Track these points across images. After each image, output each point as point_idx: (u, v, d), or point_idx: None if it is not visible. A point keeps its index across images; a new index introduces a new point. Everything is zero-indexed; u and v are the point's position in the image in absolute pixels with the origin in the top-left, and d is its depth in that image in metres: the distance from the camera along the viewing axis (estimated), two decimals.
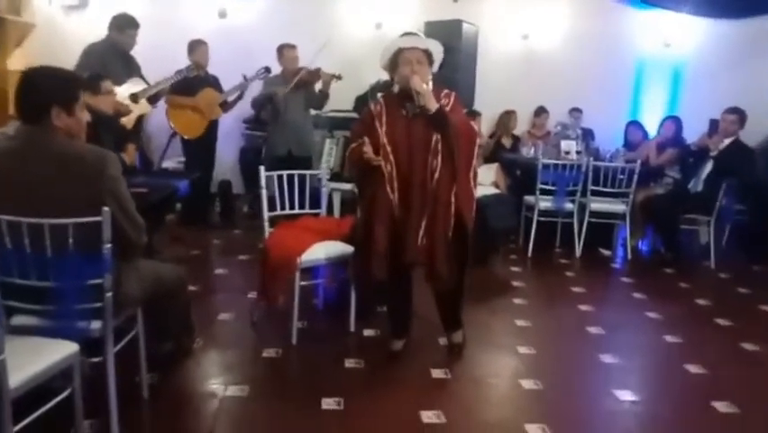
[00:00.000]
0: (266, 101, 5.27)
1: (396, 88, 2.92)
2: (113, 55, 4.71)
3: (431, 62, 2.88)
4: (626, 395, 2.80)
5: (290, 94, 5.15)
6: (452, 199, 2.80)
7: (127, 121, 4.44)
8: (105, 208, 1.99)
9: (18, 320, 2.12)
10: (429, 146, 2.78)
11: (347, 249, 3.22)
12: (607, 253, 5.45)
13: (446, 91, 2.88)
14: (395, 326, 3.14)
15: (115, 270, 2.12)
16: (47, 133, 2.04)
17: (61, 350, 1.93)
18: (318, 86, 5.33)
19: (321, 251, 3.22)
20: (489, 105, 6.35)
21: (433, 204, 2.79)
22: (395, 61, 2.85)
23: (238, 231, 5.62)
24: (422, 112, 2.77)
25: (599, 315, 3.88)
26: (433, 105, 2.74)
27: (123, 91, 4.49)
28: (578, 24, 6.62)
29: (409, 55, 2.80)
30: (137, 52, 4.93)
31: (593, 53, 6.61)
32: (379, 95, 3.31)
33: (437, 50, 2.92)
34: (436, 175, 2.77)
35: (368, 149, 2.75)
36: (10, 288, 2.01)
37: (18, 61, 5.53)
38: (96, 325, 2.13)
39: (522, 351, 3.25)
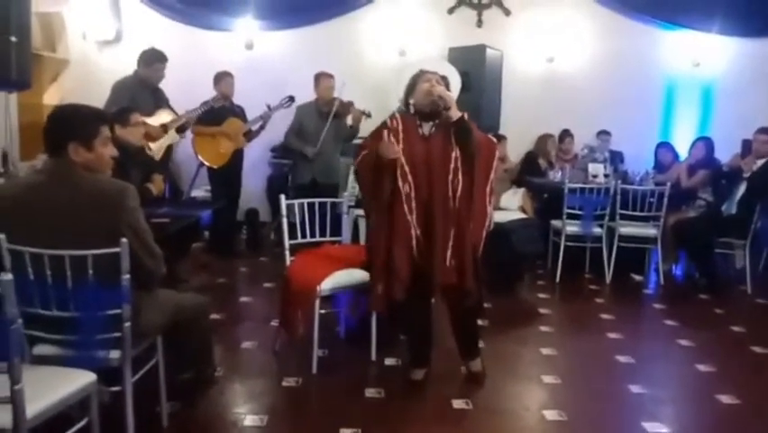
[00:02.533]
0: (296, 155, 5.45)
1: (412, 110, 2.93)
2: (141, 89, 4.83)
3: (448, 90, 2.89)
4: (655, 427, 2.70)
5: (321, 124, 5.22)
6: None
7: (156, 151, 4.57)
8: (123, 240, 2.04)
9: (39, 349, 2.16)
10: (449, 164, 2.78)
11: (368, 277, 3.19)
12: (638, 278, 5.31)
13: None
14: (415, 355, 3.10)
15: (134, 300, 2.15)
16: (67, 168, 2.11)
17: (78, 380, 1.95)
18: (348, 120, 5.39)
19: (341, 279, 3.21)
20: (514, 130, 6.30)
21: (457, 223, 2.78)
22: (413, 83, 2.89)
23: (264, 258, 5.66)
24: (443, 123, 2.79)
25: (629, 343, 3.77)
26: (455, 112, 2.76)
27: (152, 122, 4.62)
28: (604, 46, 6.56)
29: (429, 75, 2.87)
30: (166, 84, 5.06)
31: (621, 74, 6.53)
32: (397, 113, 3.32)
33: (454, 81, 2.97)
34: (459, 193, 2.78)
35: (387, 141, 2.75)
36: (32, 317, 2.05)
37: (53, 96, 5.70)
38: (115, 354, 2.16)
39: (547, 380, 3.17)
